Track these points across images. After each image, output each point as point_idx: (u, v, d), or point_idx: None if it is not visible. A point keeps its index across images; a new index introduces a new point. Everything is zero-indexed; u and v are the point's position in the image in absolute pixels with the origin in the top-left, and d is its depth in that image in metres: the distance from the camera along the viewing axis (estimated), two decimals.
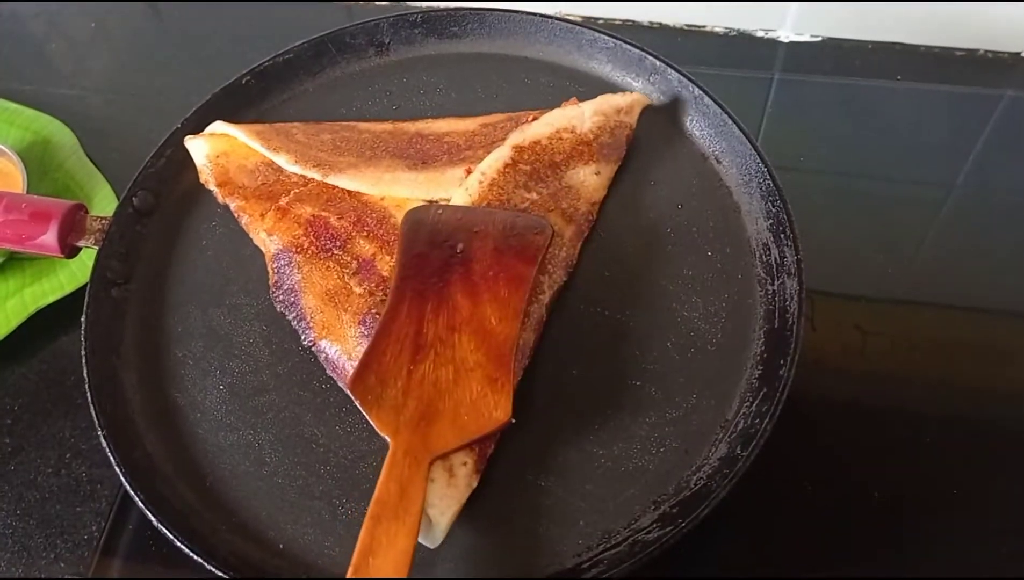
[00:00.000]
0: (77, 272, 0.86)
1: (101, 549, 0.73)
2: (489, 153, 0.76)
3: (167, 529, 0.63)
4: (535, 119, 0.79)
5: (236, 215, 0.78)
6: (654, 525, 0.63)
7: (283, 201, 0.76)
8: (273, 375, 0.72)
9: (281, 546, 0.65)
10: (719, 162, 0.79)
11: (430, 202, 0.74)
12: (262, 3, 1.11)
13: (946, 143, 0.93)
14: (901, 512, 0.71)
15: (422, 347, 0.63)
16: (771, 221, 0.74)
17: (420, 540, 0.61)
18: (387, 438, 0.60)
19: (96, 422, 0.68)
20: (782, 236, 0.72)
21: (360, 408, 0.62)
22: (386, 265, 0.71)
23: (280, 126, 0.82)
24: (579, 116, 0.79)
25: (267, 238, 0.75)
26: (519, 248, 0.68)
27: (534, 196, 0.74)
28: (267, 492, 0.67)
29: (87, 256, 0.85)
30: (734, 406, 0.68)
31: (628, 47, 0.84)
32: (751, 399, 0.67)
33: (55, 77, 1.08)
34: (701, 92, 0.80)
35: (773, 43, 1.02)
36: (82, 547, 0.73)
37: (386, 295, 0.68)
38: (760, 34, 1.02)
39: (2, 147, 0.88)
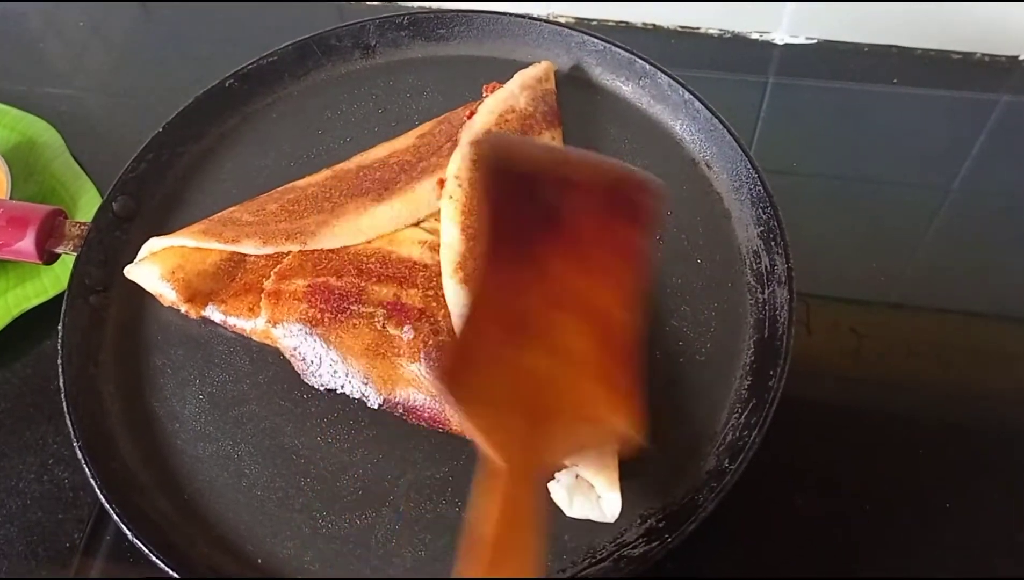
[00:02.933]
0: (61, 276, 0.84)
1: (81, 553, 0.72)
2: (444, 159, 0.76)
3: (143, 543, 0.62)
4: (472, 113, 0.79)
5: (222, 324, 0.73)
6: (640, 540, 0.62)
7: (268, 286, 0.72)
8: (253, 385, 0.71)
9: (260, 560, 0.64)
10: (709, 167, 0.78)
11: (417, 224, 0.74)
12: (253, 3, 1.10)
13: (942, 147, 0.92)
14: (894, 522, 0.69)
15: (525, 331, 0.51)
16: (762, 228, 0.73)
17: (598, 519, 0.60)
18: (493, 451, 0.49)
19: (72, 432, 0.67)
20: (772, 244, 0.71)
21: (456, 407, 0.51)
22: (414, 298, 0.69)
23: (220, 216, 0.78)
24: (512, 96, 0.80)
25: (271, 329, 0.70)
26: (630, 209, 0.54)
27: None
28: (246, 505, 0.66)
29: (71, 259, 0.83)
30: (723, 417, 0.67)
31: (618, 50, 0.83)
32: (740, 410, 0.66)
33: (43, 77, 1.07)
34: (691, 96, 0.79)
35: (768, 45, 1.01)
36: (64, 555, 0.72)
37: (432, 326, 0.67)
38: (755, 36, 1.01)
39: None
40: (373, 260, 0.72)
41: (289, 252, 0.73)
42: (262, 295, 0.72)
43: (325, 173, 0.80)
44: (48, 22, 1.13)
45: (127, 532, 0.62)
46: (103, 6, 1.13)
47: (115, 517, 0.63)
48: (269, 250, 0.73)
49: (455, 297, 0.67)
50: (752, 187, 0.74)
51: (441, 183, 0.74)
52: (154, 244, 0.75)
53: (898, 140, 0.93)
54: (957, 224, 0.87)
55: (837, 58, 0.99)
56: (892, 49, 0.99)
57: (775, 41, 1.01)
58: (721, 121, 0.77)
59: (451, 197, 0.72)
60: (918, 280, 0.83)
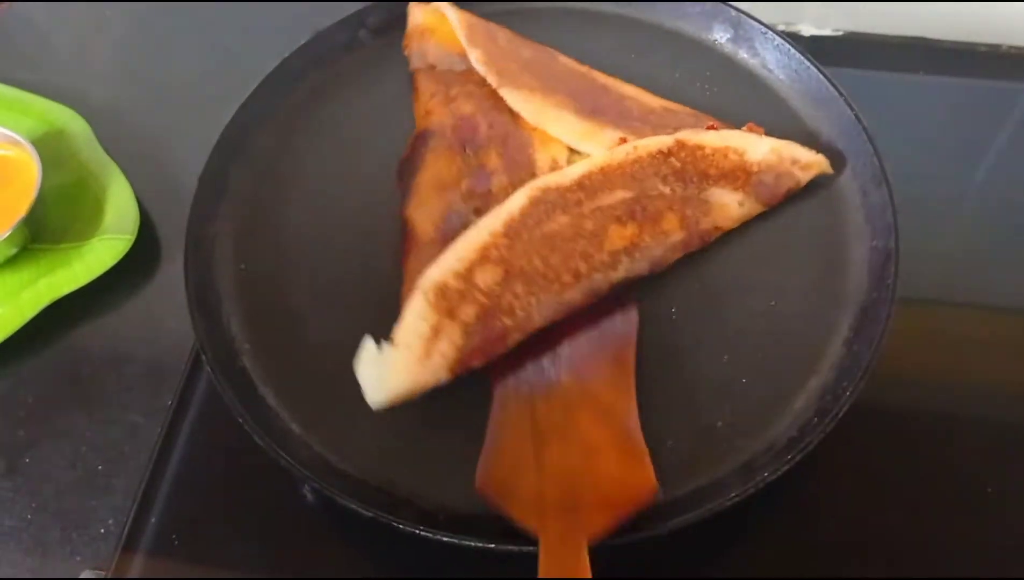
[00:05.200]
0: (93, 264, 0.84)
1: (122, 546, 0.71)
2: (653, 132, 0.77)
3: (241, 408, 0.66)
4: (712, 128, 0.77)
5: (413, 82, 0.85)
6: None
7: (453, 91, 0.82)
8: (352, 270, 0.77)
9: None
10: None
11: (572, 150, 0.78)
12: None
13: (966, 138, 0.92)
14: (928, 519, 0.70)
15: (542, 434, 0.62)
16: None
17: (367, 389, 0.64)
18: (535, 533, 0.57)
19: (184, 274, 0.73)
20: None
21: (498, 508, 0.59)
22: (500, 184, 0.75)
23: (491, 25, 0.87)
24: (755, 144, 0.76)
25: (423, 115, 0.81)
26: (612, 334, 0.68)
27: (667, 190, 0.73)
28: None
29: (102, 247, 0.84)
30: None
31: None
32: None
33: (66, 65, 1.07)
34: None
35: (794, 37, 1.00)
36: (97, 541, 0.72)
37: (482, 208, 0.73)
38: (781, 28, 1.01)
39: (17, 137, 0.87)
40: (518, 139, 0.78)
41: (487, 82, 0.82)
42: (443, 92, 0.82)
43: (581, 68, 0.85)
44: (68, 9, 1.13)
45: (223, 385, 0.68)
46: None
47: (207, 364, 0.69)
48: (481, 69, 0.83)
49: (511, 203, 0.71)
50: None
51: (621, 141, 0.75)
52: (442, 4, 0.87)
53: (922, 131, 0.93)
54: (981, 214, 0.87)
55: (863, 50, 0.99)
56: (918, 41, 0.99)
57: (802, 33, 1.01)
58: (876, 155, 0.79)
59: (611, 157, 0.74)
60: (939, 272, 0.83)
